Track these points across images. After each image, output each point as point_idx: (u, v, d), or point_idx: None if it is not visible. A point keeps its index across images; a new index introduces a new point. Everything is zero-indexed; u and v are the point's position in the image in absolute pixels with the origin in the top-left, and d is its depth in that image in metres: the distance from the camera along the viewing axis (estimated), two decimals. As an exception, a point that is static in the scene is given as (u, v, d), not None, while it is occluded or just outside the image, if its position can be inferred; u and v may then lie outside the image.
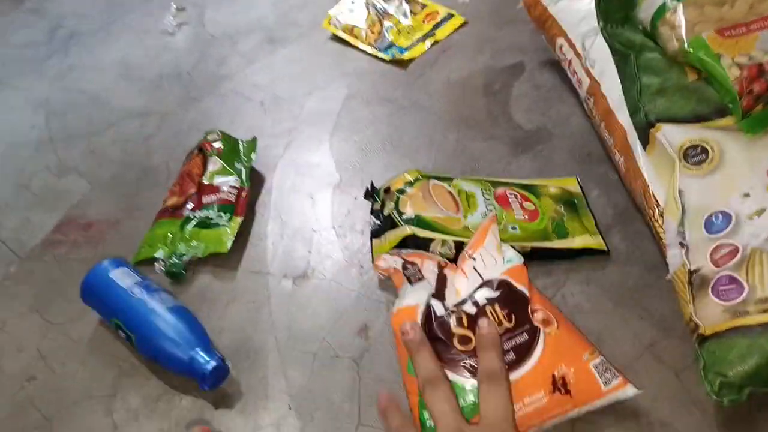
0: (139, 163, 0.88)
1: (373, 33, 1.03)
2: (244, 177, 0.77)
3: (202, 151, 0.79)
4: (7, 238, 0.80)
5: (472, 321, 0.56)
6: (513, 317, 0.55)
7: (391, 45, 1.01)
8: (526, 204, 0.68)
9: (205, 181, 0.75)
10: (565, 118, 0.84)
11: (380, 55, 0.99)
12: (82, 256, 0.75)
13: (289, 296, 0.67)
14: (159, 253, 0.70)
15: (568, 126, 0.83)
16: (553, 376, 0.51)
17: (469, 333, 0.55)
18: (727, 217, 0.55)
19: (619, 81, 0.69)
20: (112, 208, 0.81)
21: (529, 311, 0.56)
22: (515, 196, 0.69)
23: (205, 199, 0.73)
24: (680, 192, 0.58)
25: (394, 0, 1.08)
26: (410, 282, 0.60)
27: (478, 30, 1.03)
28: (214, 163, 0.77)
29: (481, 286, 0.59)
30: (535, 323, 0.55)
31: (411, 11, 1.06)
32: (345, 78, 0.98)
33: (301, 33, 1.09)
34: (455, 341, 0.55)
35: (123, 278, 0.63)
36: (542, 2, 0.85)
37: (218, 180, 0.75)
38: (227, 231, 0.71)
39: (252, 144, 0.81)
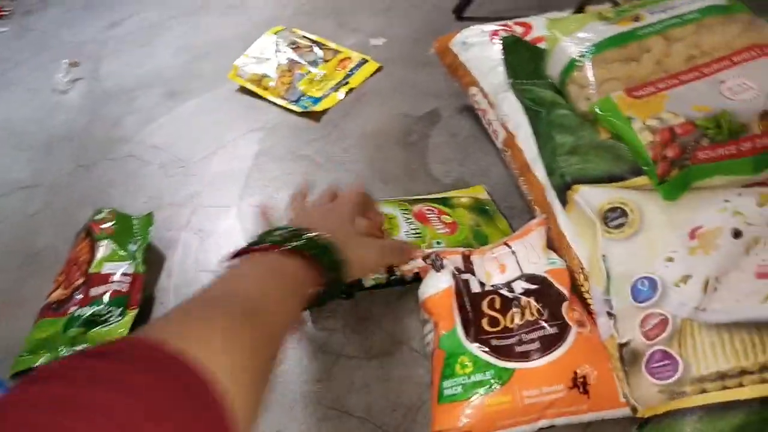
0: (22, 247, 0.78)
1: (283, 84, 0.97)
2: (139, 259, 0.69)
3: (89, 234, 0.70)
4: None
5: (504, 306, 0.56)
6: (546, 311, 0.55)
7: (302, 96, 0.95)
8: (444, 217, 0.69)
9: (93, 270, 0.67)
10: (484, 169, 0.81)
11: (291, 107, 0.93)
12: (-50, 369, 0.65)
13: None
14: (41, 362, 0.61)
15: (488, 177, 0.79)
16: (576, 372, 0.52)
17: (498, 316, 0.56)
18: (653, 283, 0.52)
19: (533, 134, 0.66)
20: (-12, 304, 0.71)
21: (564, 309, 0.56)
22: (432, 212, 0.70)
23: (93, 292, 0.65)
24: (603, 257, 0.55)
25: (304, 48, 1.03)
26: (435, 269, 0.59)
27: (393, 75, 0.99)
28: (105, 248, 0.69)
29: (519, 278, 0.59)
30: (568, 321, 0.55)
31: (323, 58, 1.02)
32: (254, 133, 0.91)
33: (206, 85, 1.02)
34: (484, 321, 0.55)
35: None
36: (452, 49, 0.82)
37: (108, 267, 0.67)
38: (119, 329, 0.62)
39: (147, 219, 0.73)
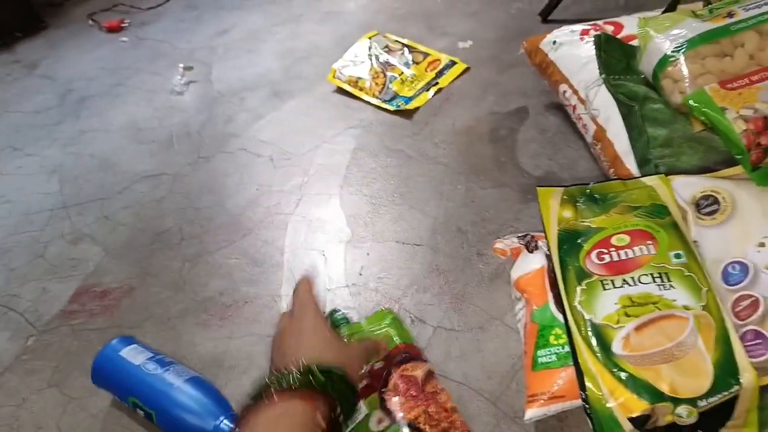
0: (151, 227, 0.89)
1: (377, 84, 1.04)
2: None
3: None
4: (25, 309, 0.80)
5: None
6: None
7: (395, 96, 1.02)
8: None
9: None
10: (572, 162, 0.84)
11: (385, 106, 1.00)
12: (98, 326, 0.76)
13: (306, 361, 0.67)
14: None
15: (577, 170, 0.83)
16: None
17: None
18: (744, 267, 0.54)
19: (625, 128, 0.69)
20: (126, 274, 0.82)
21: None
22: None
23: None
24: (695, 242, 0.57)
25: (396, 51, 1.10)
26: (528, 250, 0.63)
27: (481, 75, 1.04)
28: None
29: None
30: None
31: (413, 60, 1.08)
32: (352, 130, 0.99)
33: (307, 86, 1.11)
34: None
35: (134, 356, 0.63)
36: (542, 49, 0.86)
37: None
38: (242, 297, 0.71)
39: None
